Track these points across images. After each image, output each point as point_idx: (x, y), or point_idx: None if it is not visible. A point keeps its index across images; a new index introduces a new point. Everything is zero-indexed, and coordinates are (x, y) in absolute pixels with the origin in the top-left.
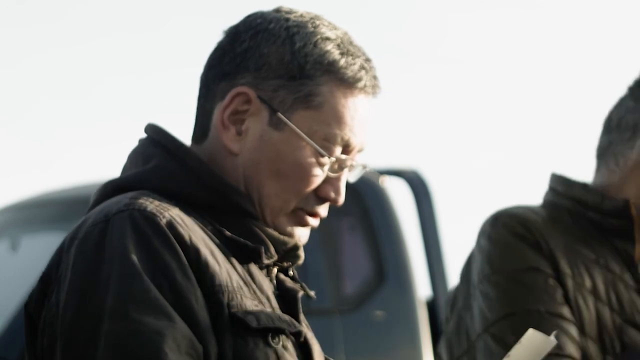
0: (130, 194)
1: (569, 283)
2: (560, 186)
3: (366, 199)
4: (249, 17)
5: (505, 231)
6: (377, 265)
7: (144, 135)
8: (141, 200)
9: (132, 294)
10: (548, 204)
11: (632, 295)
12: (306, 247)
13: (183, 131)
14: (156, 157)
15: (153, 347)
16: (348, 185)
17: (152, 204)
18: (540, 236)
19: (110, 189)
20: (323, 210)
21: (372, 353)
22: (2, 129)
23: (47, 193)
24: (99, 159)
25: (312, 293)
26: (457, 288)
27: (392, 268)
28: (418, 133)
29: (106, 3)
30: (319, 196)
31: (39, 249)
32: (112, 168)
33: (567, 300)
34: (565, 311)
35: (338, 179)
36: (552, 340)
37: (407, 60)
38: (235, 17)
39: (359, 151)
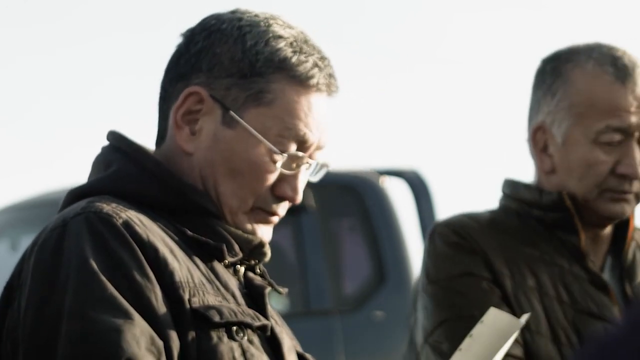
0: (89, 199)
1: (508, 283)
2: (508, 189)
3: (366, 199)
4: (205, 19)
5: (440, 241)
6: (377, 266)
7: (107, 142)
8: (98, 204)
9: (90, 294)
10: (500, 208)
11: (584, 285)
12: (306, 247)
13: None
14: (116, 162)
15: (111, 345)
16: (348, 185)
17: (108, 206)
18: (474, 241)
19: (74, 196)
20: (281, 209)
21: (372, 353)
22: (2, 129)
23: (47, 193)
24: None
25: (282, 290)
26: (412, 301)
27: (392, 268)
28: (418, 133)
29: (107, 3)
30: (276, 195)
31: None
32: None
33: (507, 301)
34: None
35: (295, 176)
36: (519, 322)
37: (407, 61)
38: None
39: (319, 149)
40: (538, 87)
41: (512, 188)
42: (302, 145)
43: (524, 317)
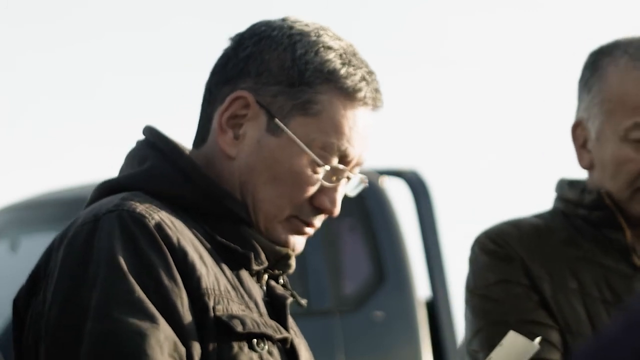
0: (121, 195)
1: (546, 287)
2: (557, 189)
3: (366, 200)
4: (255, 24)
5: (479, 251)
6: (377, 266)
7: (141, 136)
8: (131, 202)
9: (117, 294)
10: (549, 211)
11: (630, 283)
12: (306, 247)
13: (183, 131)
14: (150, 159)
15: (134, 348)
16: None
17: (141, 206)
18: (510, 248)
19: (105, 189)
20: (317, 220)
21: (372, 353)
22: (2, 128)
23: (47, 193)
24: (99, 158)
25: (303, 301)
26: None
27: (392, 268)
28: (418, 133)
29: (107, 3)
30: (314, 205)
31: (39, 250)
32: (112, 168)
33: (546, 305)
34: (540, 316)
35: (334, 189)
36: (534, 345)
37: (407, 61)
38: (236, 18)
39: (357, 164)
40: (579, 82)
41: (559, 188)
42: (343, 159)
43: (537, 340)
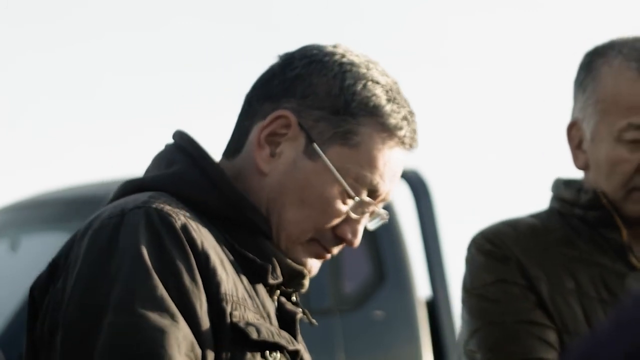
0: (149, 193)
1: (543, 287)
2: (553, 189)
3: None
4: (306, 46)
5: (476, 251)
6: (377, 266)
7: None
8: (159, 201)
9: (139, 290)
10: (545, 210)
11: (626, 282)
12: None
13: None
14: (179, 163)
15: (153, 343)
16: None
17: (169, 206)
18: (507, 248)
19: (130, 187)
20: (336, 249)
21: (372, 353)
22: (2, 128)
23: (47, 193)
24: (99, 158)
25: (314, 321)
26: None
27: (392, 268)
28: (418, 133)
29: (107, 2)
30: (336, 234)
31: (39, 249)
32: (112, 168)
33: (543, 305)
34: (537, 316)
35: (358, 221)
36: None
37: (407, 61)
38: (235, 18)
39: (384, 200)
40: (575, 83)
41: (555, 188)
42: (372, 193)
43: None
